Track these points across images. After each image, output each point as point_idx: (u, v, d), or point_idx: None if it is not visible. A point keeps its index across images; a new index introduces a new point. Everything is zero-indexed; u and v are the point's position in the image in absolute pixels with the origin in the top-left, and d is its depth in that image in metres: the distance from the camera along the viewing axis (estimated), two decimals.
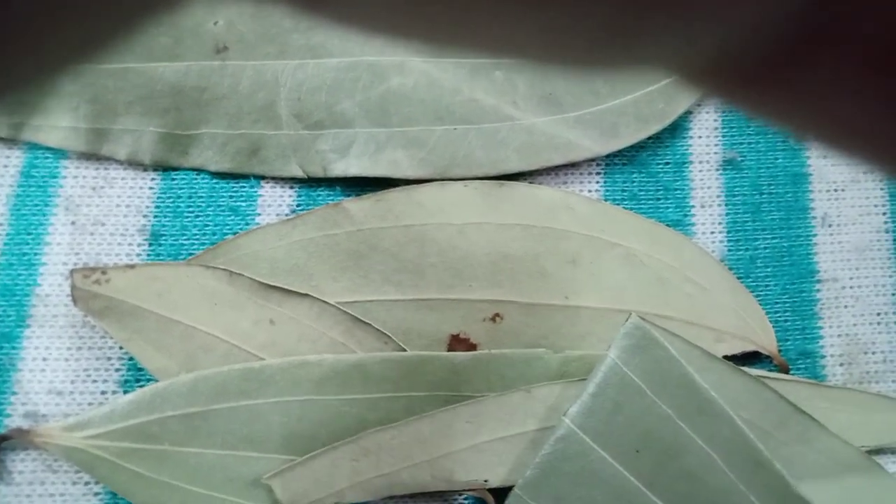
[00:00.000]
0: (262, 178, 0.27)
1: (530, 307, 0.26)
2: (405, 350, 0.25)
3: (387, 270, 0.25)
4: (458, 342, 0.25)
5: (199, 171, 0.26)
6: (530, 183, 0.27)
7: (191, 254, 0.26)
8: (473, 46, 0.08)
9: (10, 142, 0.26)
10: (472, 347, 0.25)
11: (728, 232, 0.28)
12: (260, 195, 0.27)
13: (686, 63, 0.08)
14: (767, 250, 0.28)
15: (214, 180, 0.27)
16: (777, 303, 0.27)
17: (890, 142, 0.08)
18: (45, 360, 0.25)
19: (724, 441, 0.24)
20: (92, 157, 0.26)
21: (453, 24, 0.07)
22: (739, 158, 0.29)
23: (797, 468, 0.25)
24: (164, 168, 0.26)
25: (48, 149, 0.26)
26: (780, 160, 0.29)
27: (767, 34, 0.07)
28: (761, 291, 0.27)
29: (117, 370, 0.25)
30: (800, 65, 0.07)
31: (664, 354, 0.24)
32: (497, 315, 0.25)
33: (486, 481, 0.24)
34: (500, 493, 0.24)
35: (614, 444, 0.23)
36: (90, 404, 0.24)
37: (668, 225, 0.27)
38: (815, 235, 0.28)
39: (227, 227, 0.26)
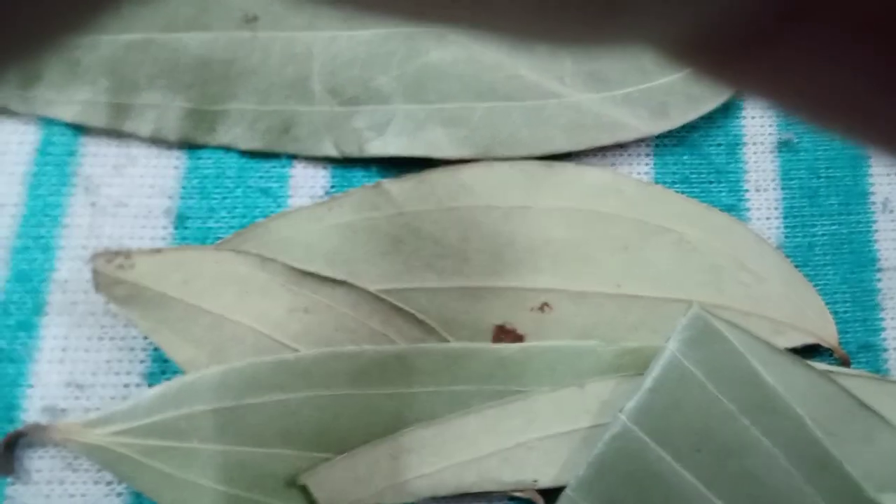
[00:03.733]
0: (294, 157, 0.25)
1: (580, 296, 0.24)
2: (448, 341, 0.23)
3: (428, 256, 0.24)
4: (504, 333, 0.24)
5: (227, 149, 0.25)
6: (577, 164, 0.25)
7: (219, 237, 0.24)
8: (463, 20, 0.07)
9: (25, 117, 0.24)
10: (519, 339, 0.24)
11: (784, 217, 0.26)
12: (292, 175, 0.25)
13: (668, 40, 0.08)
14: (826, 237, 0.26)
15: (244, 159, 0.25)
16: (836, 292, 0.26)
17: (873, 112, 0.08)
18: (63, 350, 0.23)
19: (789, 440, 0.22)
20: (113, 133, 0.25)
21: None
22: (795, 140, 0.27)
23: (861, 467, 0.23)
24: (189, 146, 0.25)
25: (66, 125, 0.24)
26: (837, 142, 0.27)
27: (747, 9, 0.07)
28: (820, 280, 0.26)
29: (141, 362, 0.23)
30: (781, 39, 0.07)
31: (727, 347, 0.22)
32: (545, 304, 0.24)
33: (535, 481, 0.22)
34: (551, 494, 0.22)
35: (673, 443, 0.22)
36: (112, 398, 0.23)
37: (721, 209, 0.26)
38: (875, 221, 0.27)
39: (258, 210, 0.25)
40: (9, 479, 0.22)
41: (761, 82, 0.08)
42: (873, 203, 0.27)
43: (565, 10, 0.07)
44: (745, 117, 0.27)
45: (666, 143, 0.27)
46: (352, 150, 0.25)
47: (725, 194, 0.26)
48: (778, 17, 0.07)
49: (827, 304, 0.25)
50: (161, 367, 0.23)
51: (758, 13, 0.07)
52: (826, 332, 0.25)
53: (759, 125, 0.27)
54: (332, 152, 0.25)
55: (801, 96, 0.08)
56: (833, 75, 0.07)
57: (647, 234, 0.25)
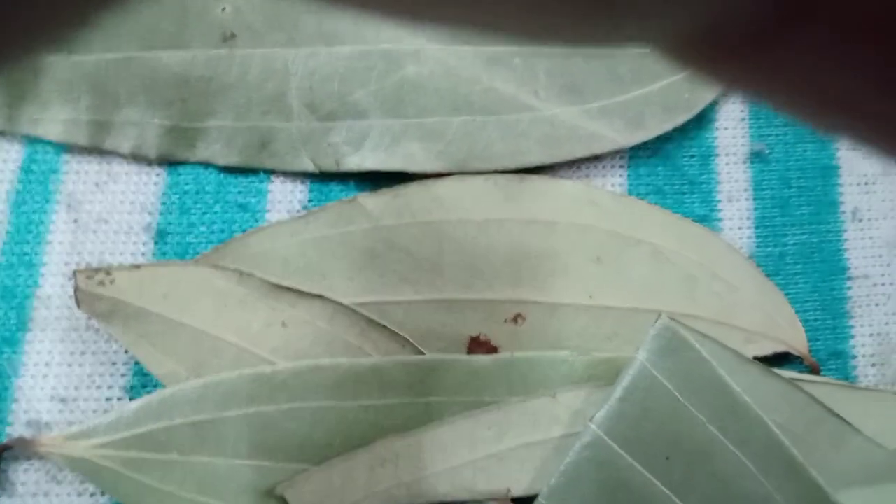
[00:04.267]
0: (273, 172, 0.25)
1: (553, 307, 0.25)
2: (423, 353, 0.23)
3: (404, 269, 0.24)
4: (478, 345, 0.24)
5: (206, 165, 0.25)
6: (552, 176, 0.26)
7: (198, 252, 0.25)
8: (453, 21, 0.07)
9: (9, 135, 0.25)
10: (493, 350, 0.24)
11: (756, 227, 0.27)
12: (270, 190, 0.25)
13: (667, 39, 0.08)
14: (796, 246, 0.27)
15: (222, 175, 0.25)
16: (807, 301, 0.26)
17: (871, 112, 0.08)
18: (47, 365, 0.23)
19: (757, 447, 0.23)
20: (94, 151, 0.25)
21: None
22: (767, 150, 0.27)
23: (830, 473, 0.24)
24: (169, 162, 0.25)
25: (48, 143, 0.25)
26: (808, 152, 0.28)
27: (746, 9, 0.07)
28: (790, 289, 0.26)
29: (123, 375, 0.24)
30: (780, 39, 0.07)
31: (695, 356, 0.23)
32: (518, 316, 0.24)
33: (508, 490, 0.23)
34: (524, 502, 0.23)
35: (643, 451, 0.22)
36: (95, 412, 0.23)
37: (694, 220, 0.26)
38: (844, 231, 0.27)
39: (236, 225, 0.25)
40: None
41: (760, 82, 0.08)
42: (843, 213, 0.27)
43: (564, 9, 0.07)
44: (717, 128, 0.28)
45: (640, 154, 0.27)
46: (329, 165, 0.25)
47: (698, 205, 0.27)
48: (777, 17, 0.07)
49: (797, 312, 0.26)
50: (142, 381, 0.24)
51: (757, 13, 0.07)
52: (796, 340, 0.26)
53: (731, 136, 0.28)
54: (310, 167, 0.25)
55: (799, 96, 0.08)
56: (832, 75, 0.07)
57: (620, 246, 0.25)
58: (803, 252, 0.27)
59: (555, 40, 0.08)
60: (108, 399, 0.23)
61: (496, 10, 0.07)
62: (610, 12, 0.07)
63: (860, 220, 0.27)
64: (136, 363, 0.23)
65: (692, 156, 0.27)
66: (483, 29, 0.08)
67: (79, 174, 0.25)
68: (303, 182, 0.26)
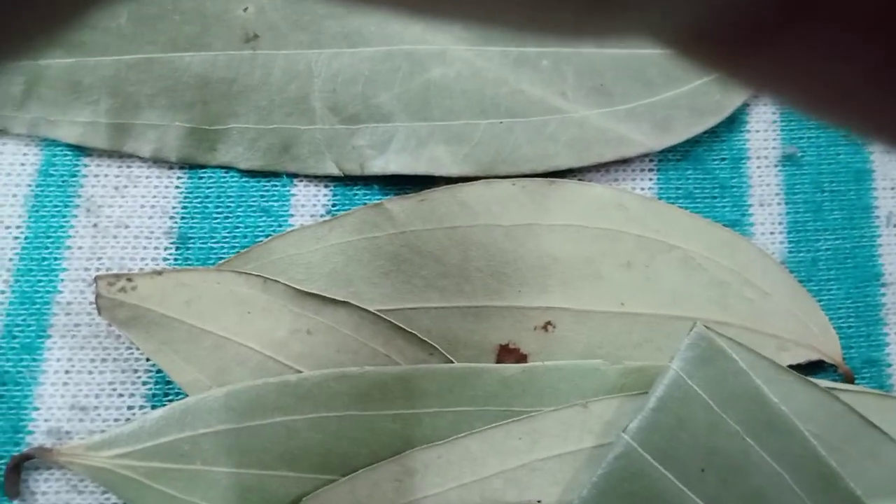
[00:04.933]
0: (296, 176, 0.25)
1: (583, 314, 0.24)
2: (451, 361, 0.23)
3: (430, 276, 0.24)
4: (507, 353, 0.24)
5: (228, 168, 0.25)
6: (580, 180, 0.25)
7: (220, 258, 0.24)
8: (478, 20, 0.07)
9: (28, 138, 0.24)
10: (523, 358, 0.23)
11: (788, 232, 0.26)
12: (293, 195, 0.25)
13: (672, 34, 0.08)
14: (829, 252, 0.26)
15: (244, 179, 0.25)
16: (840, 308, 0.26)
17: (876, 108, 0.08)
18: (67, 373, 0.23)
19: (794, 459, 0.22)
20: (114, 154, 0.25)
21: None
22: (799, 154, 0.27)
23: (866, 485, 0.23)
24: (190, 166, 0.25)
25: (67, 146, 0.24)
26: (841, 156, 0.27)
27: (751, 6, 0.07)
28: (823, 296, 0.26)
29: (144, 384, 0.23)
30: (784, 35, 0.07)
31: (731, 366, 0.22)
32: (548, 323, 0.24)
33: (539, 502, 0.22)
34: None
35: (677, 463, 0.22)
36: (116, 420, 0.23)
37: (725, 225, 0.26)
38: (879, 236, 0.26)
39: (259, 230, 0.25)
40: (15, 502, 0.22)
41: (765, 78, 0.08)
42: (877, 217, 0.26)
43: (570, 5, 0.07)
44: (748, 131, 0.27)
45: (669, 158, 0.26)
46: (353, 169, 0.25)
47: (729, 209, 0.26)
48: (781, 13, 0.07)
49: (831, 319, 0.25)
50: (164, 389, 0.23)
51: (761, 10, 0.07)
52: (830, 348, 0.25)
53: (762, 139, 0.27)
54: (334, 171, 0.25)
55: (804, 92, 0.08)
56: (836, 71, 0.07)
57: (650, 251, 0.25)
58: (836, 258, 0.26)
59: (559, 36, 0.08)
60: (129, 408, 0.23)
61: (507, 6, 0.07)
62: (613, 8, 0.07)
63: (895, 226, 0.26)
64: (158, 371, 0.23)
65: (723, 159, 0.27)
66: (505, 27, 0.08)
67: (98, 178, 0.25)
68: (326, 186, 0.25)
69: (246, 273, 0.23)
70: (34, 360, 0.23)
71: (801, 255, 0.26)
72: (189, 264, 0.24)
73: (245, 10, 0.25)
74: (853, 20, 0.07)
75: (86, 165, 0.25)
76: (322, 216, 0.25)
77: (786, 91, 0.08)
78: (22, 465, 0.22)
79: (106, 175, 0.24)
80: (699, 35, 0.08)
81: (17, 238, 0.24)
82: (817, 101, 0.08)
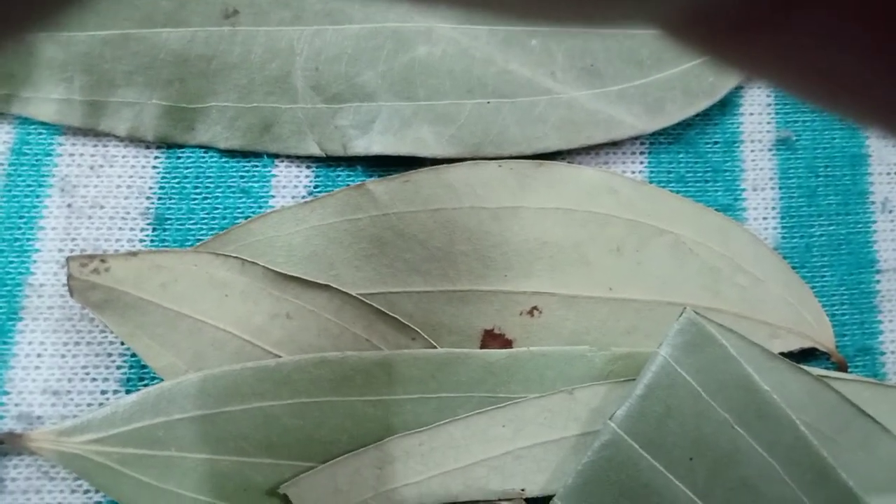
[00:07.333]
0: (276, 156, 0.24)
1: (571, 299, 0.23)
2: (434, 346, 0.22)
3: (414, 259, 0.23)
4: (492, 338, 0.23)
5: (206, 148, 0.24)
6: (569, 163, 0.25)
7: (198, 240, 0.23)
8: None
9: (0, 116, 0.24)
10: (508, 344, 0.23)
11: (782, 218, 0.26)
12: (274, 175, 0.24)
13: (666, 16, 0.08)
14: (824, 238, 0.26)
15: (224, 159, 0.24)
16: (834, 295, 0.25)
17: (871, 91, 0.08)
18: (39, 356, 0.22)
19: (785, 448, 0.22)
20: (89, 132, 0.24)
21: None
22: (794, 138, 0.26)
23: (859, 476, 0.22)
24: (168, 145, 0.24)
25: (41, 124, 0.24)
26: (837, 140, 0.26)
27: None
28: (817, 282, 0.25)
29: (118, 368, 0.23)
30: (783, 22, 0.07)
31: (721, 353, 0.22)
32: (535, 308, 0.23)
33: (523, 490, 0.22)
34: (539, 502, 0.22)
35: (665, 451, 0.21)
36: (89, 405, 0.22)
37: (717, 209, 0.25)
38: (874, 222, 0.26)
39: (239, 211, 0.24)
40: None
41: (758, 62, 0.08)
42: (873, 203, 0.26)
43: None
44: (742, 114, 0.26)
45: (661, 141, 0.26)
46: (335, 149, 0.24)
47: (722, 194, 0.26)
48: (779, 0, 0.07)
49: (824, 306, 0.25)
50: (139, 374, 0.23)
51: None
52: (823, 335, 0.24)
53: (756, 123, 0.26)
54: (316, 151, 0.24)
55: (798, 77, 0.08)
56: (835, 58, 0.07)
57: (640, 236, 0.24)
58: (831, 244, 0.26)
59: (558, 22, 0.08)
60: (103, 392, 0.22)
61: None
62: None
63: (890, 212, 0.26)
64: (133, 355, 0.22)
65: (716, 143, 0.26)
66: (496, 8, 0.07)
67: (73, 157, 0.24)
68: (308, 167, 0.24)
69: (224, 255, 0.22)
70: (5, 343, 0.22)
71: (795, 240, 0.26)
72: (166, 246, 0.23)
73: None
74: (848, 5, 0.07)
75: (60, 144, 0.24)
76: (303, 197, 0.24)
77: (780, 76, 0.08)
78: None
79: (81, 154, 0.24)
80: (693, 17, 0.07)
81: None
82: (811, 86, 0.08)
